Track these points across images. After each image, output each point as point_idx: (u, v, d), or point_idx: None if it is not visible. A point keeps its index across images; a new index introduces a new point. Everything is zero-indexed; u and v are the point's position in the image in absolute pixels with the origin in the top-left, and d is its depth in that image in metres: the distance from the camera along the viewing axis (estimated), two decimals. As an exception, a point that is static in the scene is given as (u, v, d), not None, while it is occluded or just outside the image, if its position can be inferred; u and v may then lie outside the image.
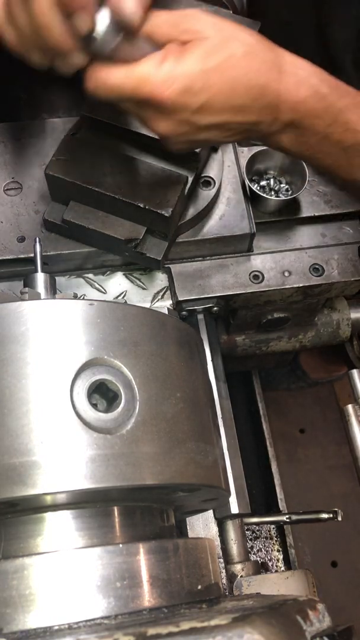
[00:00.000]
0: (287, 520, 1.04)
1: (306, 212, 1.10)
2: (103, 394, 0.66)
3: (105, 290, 1.03)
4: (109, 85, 0.69)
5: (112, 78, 0.69)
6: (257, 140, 0.81)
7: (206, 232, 1.01)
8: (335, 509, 0.99)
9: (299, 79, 0.72)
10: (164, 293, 1.04)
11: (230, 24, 0.71)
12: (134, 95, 0.70)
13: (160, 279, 1.05)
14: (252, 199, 1.07)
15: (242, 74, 0.70)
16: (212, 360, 1.09)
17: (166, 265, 1.03)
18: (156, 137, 0.90)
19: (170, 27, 0.69)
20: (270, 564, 1.25)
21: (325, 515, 0.99)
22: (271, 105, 0.73)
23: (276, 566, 1.25)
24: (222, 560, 1.00)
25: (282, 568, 1.25)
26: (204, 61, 0.68)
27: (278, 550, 1.27)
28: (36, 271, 0.82)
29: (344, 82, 0.78)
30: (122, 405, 0.63)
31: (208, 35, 0.69)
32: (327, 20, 1.13)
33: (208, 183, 1.01)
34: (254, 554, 1.26)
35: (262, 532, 1.27)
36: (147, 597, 0.60)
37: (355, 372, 1.10)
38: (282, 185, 1.11)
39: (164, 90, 0.68)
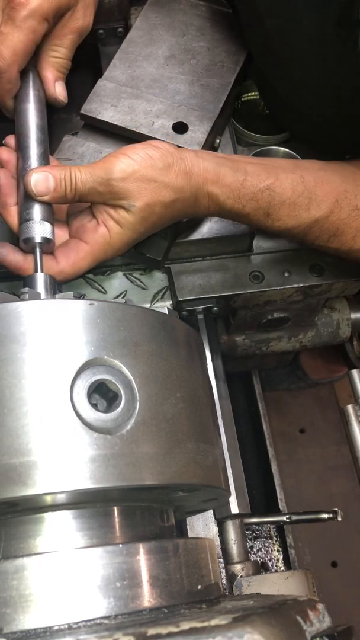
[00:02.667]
0: (287, 520, 1.04)
1: (306, 212, 1.10)
2: (103, 394, 0.66)
3: (105, 290, 1.03)
4: (73, 273, 0.87)
5: (79, 268, 0.87)
6: None
7: (206, 232, 1.01)
8: (335, 509, 0.99)
9: (212, 200, 0.85)
10: (164, 293, 1.04)
11: (153, 177, 0.82)
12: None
13: (160, 279, 1.05)
14: (252, 199, 1.07)
15: (169, 219, 0.87)
16: (212, 360, 1.09)
17: (166, 265, 1.03)
18: (155, 137, 0.90)
19: (99, 195, 0.82)
20: (270, 564, 1.25)
21: (325, 515, 0.99)
22: (192, 216, 0.93)
23: (276, 566, 1.25)
24: (222, 560, 1.00)
25: (282, 568, 1.25)
26: (138, 227, 0.84)
27: (278, 550, 1.26)
28: (36, 271, 0.82)
29: None
30: (122, 405, 0.63)
31: (134, 202, 0.82)
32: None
33: (208, 183, 1.01)
34: (253, 554, 1.25)
35: (262, 532, 1.27)
36: (147, 597, 0.60)
37: (355, 372, 1.10)
38: (282, 185, 1.11)
39: (117, 255, 0.89)
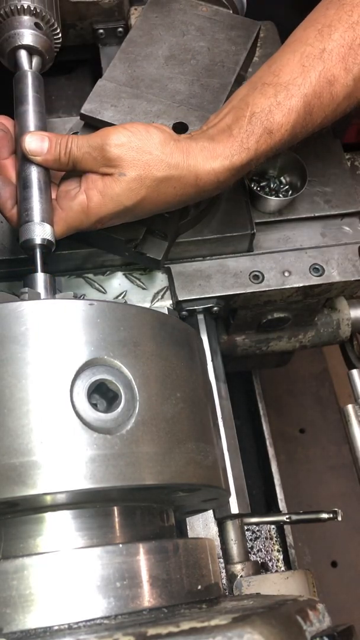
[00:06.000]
0: (287, 520, 1.04)
1: (306, 212, 1.10)
2: (103, 394, 0.66)
3: (105, 290, 1.03)
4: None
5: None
6: None
7: (206, 232, 1.01)
8: (335, 509, 0.99)
9: (220, 173, 0.83)
10: (164, 293, 1.04)
11: (149, 150, 0.81)
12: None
13: (160, 279, 1.05)
14: (252, 199, 1.07)
15: (162, 202, 0.83)
16: (212, 360, 1.09)
17: (166, 265, 1.03)
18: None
19: (92, 161, 0.81)
20: (270, 564, 1.25)
21: (325, 515, 0.99)
22: (193, 199, 0.87)
23: (276, 566, 1.25)
24: (222, 560, 1.00)
25: (282, 568, 1.25)
26: (124, 199, 0.81)
27: (278, 551, 1.27)
28: (36, 271, 0.82)
29: None
30: (122, 405, 0.63)
31: (125, 171, 0.80)
32: None
33: (208, 183, 1.01)
34: (254, 554, 1.25)
35: (262, 532, 1.27)
36: (147, 597, 0.60)
37: (355, 372, 1.10)
38: (282, 186, 1.11)
39: (97, 226, 0.85)
